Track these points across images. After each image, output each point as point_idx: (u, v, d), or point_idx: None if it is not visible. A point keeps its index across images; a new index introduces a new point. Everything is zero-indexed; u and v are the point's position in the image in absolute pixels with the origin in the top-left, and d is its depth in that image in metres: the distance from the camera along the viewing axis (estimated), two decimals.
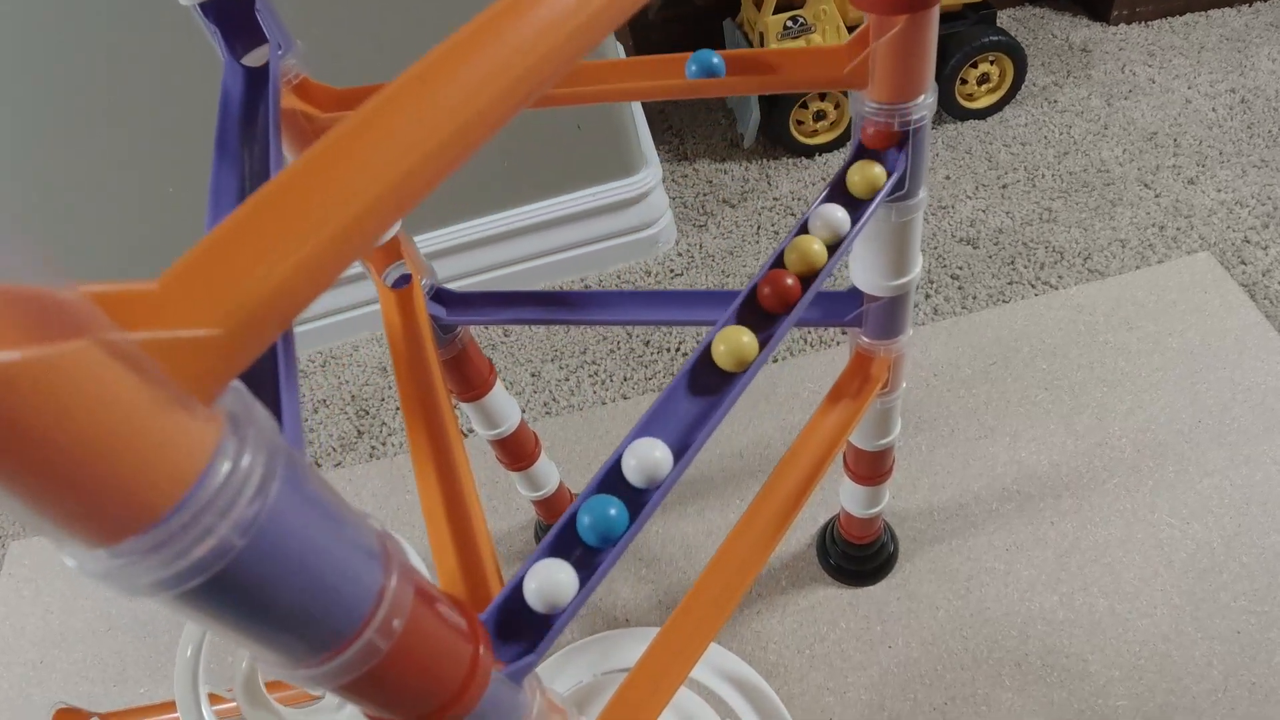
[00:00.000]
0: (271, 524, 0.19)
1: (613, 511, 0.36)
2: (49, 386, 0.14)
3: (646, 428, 0.39)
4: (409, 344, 0.59)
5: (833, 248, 0.46)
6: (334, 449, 1.12)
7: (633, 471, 0.37)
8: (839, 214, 0.46)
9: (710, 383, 0.41)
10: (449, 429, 0.52)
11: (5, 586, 1.17)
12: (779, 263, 0.46)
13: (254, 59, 0.51)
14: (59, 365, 0.14)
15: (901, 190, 0.50)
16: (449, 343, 0.68)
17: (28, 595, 1.15)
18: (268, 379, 0.27)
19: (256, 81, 0.51)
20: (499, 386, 0.75)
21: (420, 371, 0.57)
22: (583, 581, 0.35)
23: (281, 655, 0.22)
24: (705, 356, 0.42)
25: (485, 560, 0.39)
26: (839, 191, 0.48)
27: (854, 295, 0.59)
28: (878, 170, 0.47)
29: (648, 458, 0.37)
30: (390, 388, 1.17)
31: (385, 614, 0.24)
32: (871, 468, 0.74)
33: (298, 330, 1.23)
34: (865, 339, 0.61)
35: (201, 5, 0.49)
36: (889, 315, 0.58)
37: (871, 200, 0.46)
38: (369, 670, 0.24)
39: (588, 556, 0.36)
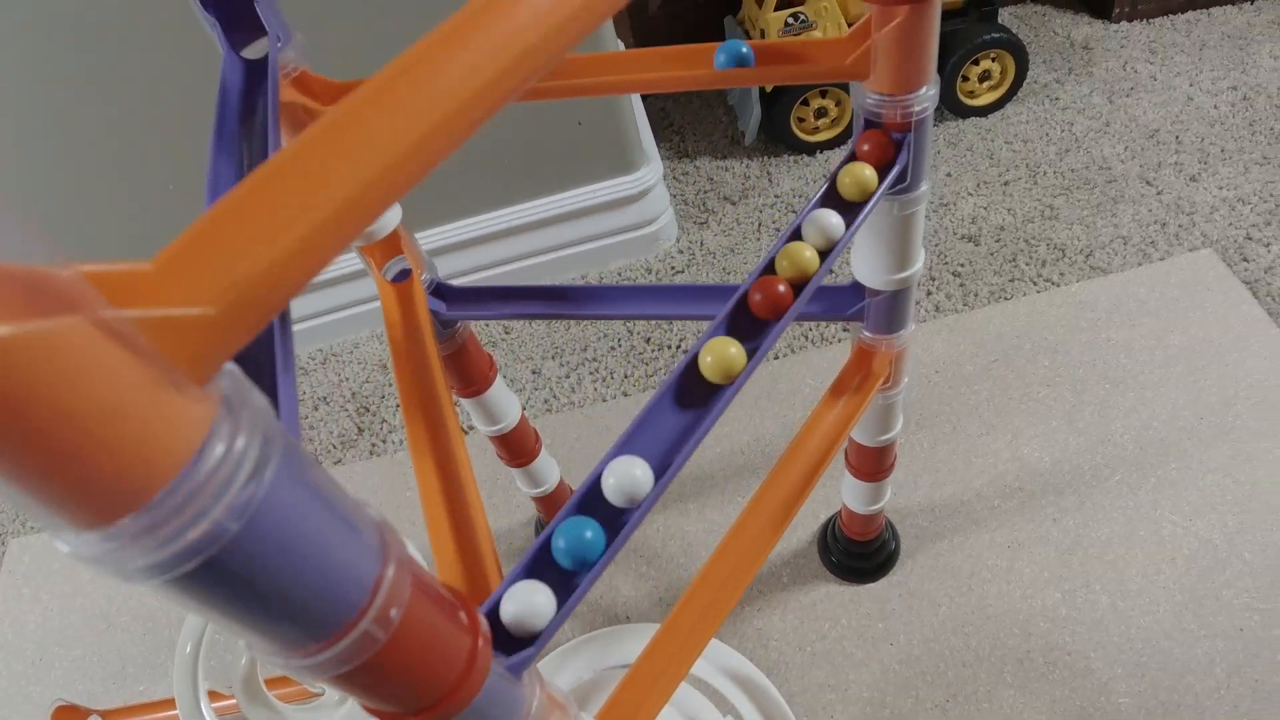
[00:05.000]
0: (267, 508, 0.18)
1: (589, 534, 0.35)
2: (41, 362, 0.14)
3: (627, 444, 0.38)
4: (409, 339, 0.59)
5: (826, 253, 0.45)
6: (334, 446, 1.12)
7: (612, 491, 0.36)
8: (833, 219, 0.45)
9: (696, 394, 0.40)
10: (449, 423, 0.52)
11: (4, 584, 1.17)
12: (770, 269, 0.45)
13: (253, 51, 0.51)
14: (51, 341, 0.14)
15: (904, 183, 0.49)
16: (449, 338, 0.68)
17: (27, 593, 1.15)
18: (265, 367, 0.27)
19: (256, 74, 0.50)
20: (499, 382, 0.74)
21: (420, 367, 0.57)
22: (561, 602, 0.34)
23: (276, 643, 0.22)
24: (691, 368, 0.41)
25: (485, 553, 0.38)
26: (833, 194, 0.47)
27: (856, 289, 0.59)
28: (869, 173, 0.46)
29: (627, 476, 0.36)
30: (391, 385, 1.16)
31: (382, 603, 0.24)
32: (873, 464, 0.74)
33: (298, 329, 1.23)
34: (867, 334, 0.61)
35: None
36: (891, 310, 0.58)
37: (865, 203, 0.46)
38: (366, 661, 0.24)
39: (565, 578, 0.35)
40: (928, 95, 0.46)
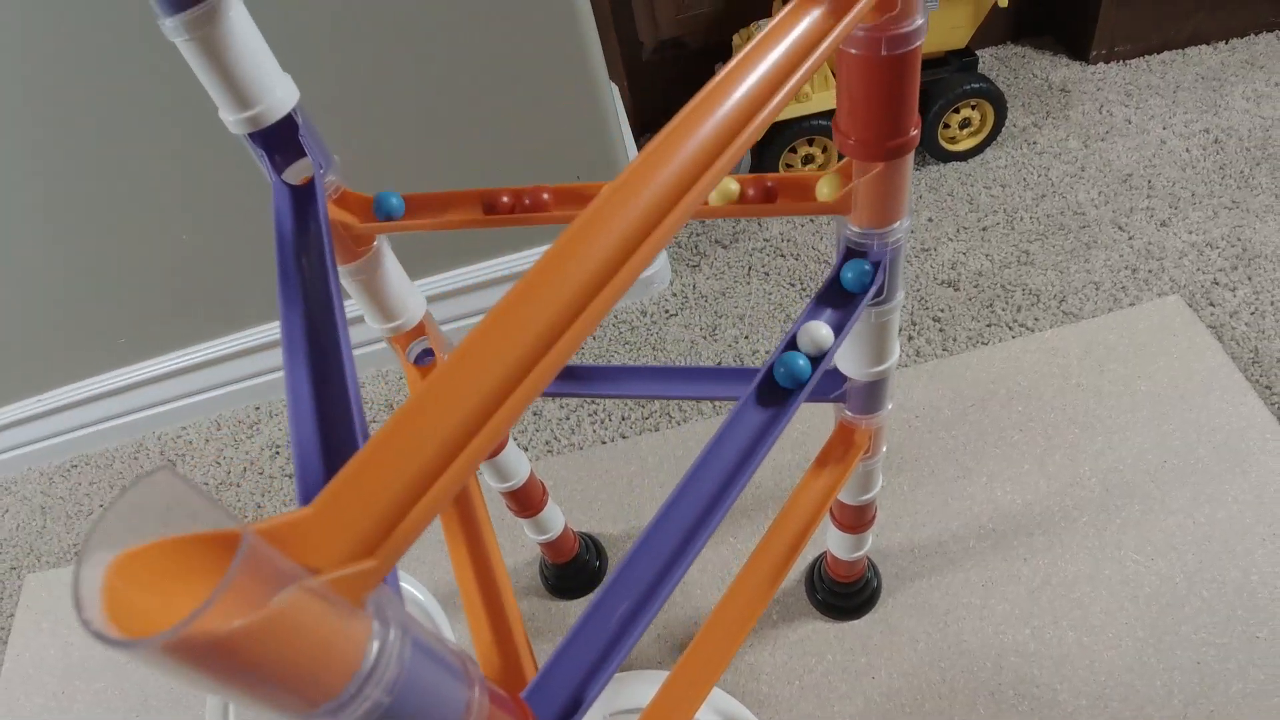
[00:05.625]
0: (405, 680, 0.26)
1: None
2: (273, 629, 0.22)
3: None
4: None
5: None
6: None
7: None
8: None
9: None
10: (477, 508, 0.59)
11: (23, 619, 1.23)
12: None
13: (293, 175, 0.58)
14: (280, 614, 0.22)
15: (880, 297, 0.57)
16: None
17: (47, 627, 1.21)
18: None
19: (301, 198, 0.58)
20: (511, 444, 0.82)
21: None
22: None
23: None
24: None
25: (519, 643, 0.46)
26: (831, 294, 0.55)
27: (838, 375, 0.66)
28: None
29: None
30: None
31: (478, 715, 0.31)
32: (855, 519, 0.82)
33: None
34: (849, 413, 0.68)
35: (250, 134, 0.56)
36: (870, 395, 0.66)
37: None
38: None
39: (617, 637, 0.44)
40: (902, 228, 0.54)
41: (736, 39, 1.34)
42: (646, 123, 1.53)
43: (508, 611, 0.51)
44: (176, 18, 0.49)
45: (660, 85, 1.50)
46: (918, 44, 0.44)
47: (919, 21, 0.43)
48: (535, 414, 1.21)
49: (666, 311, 1.28)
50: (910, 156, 0.51)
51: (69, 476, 1.38)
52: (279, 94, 0.55)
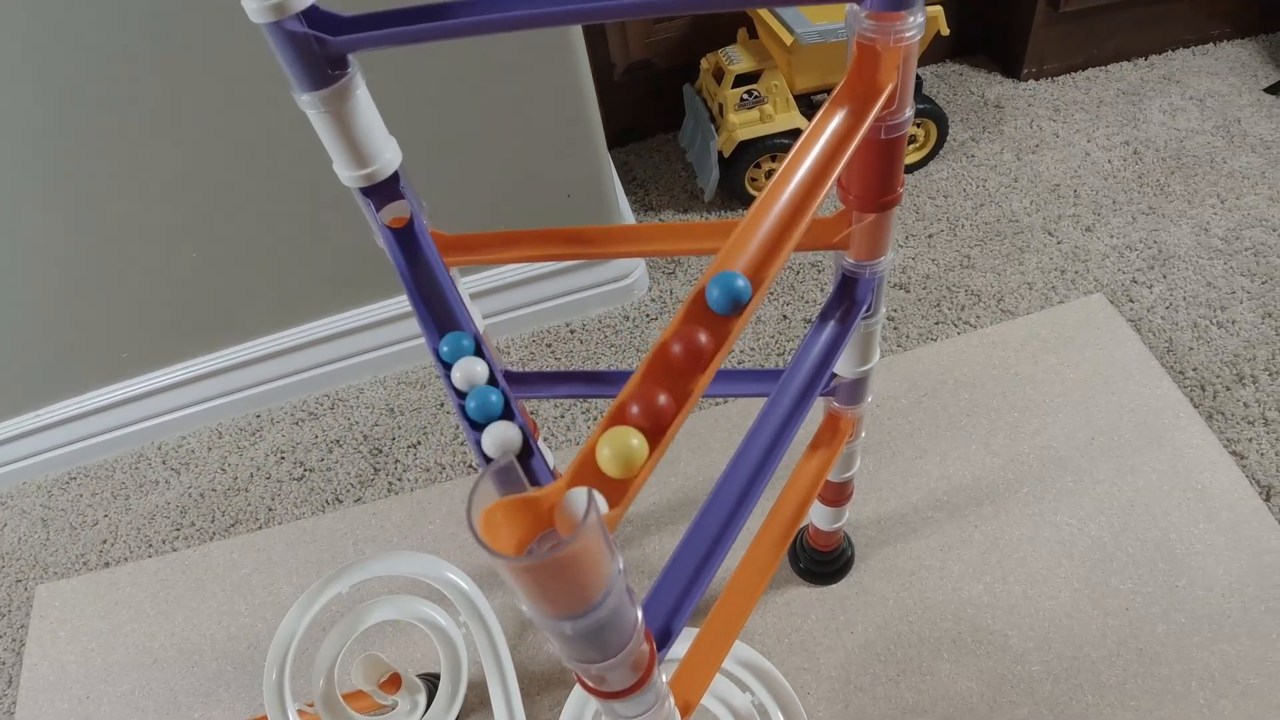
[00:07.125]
0: (621, 594, 0.43)
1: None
2: (586, 550, 0.38)
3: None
4: None
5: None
6: (354, 485, 1.34)
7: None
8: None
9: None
10: None
11: (38, 629, 1.33)
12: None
13: (386, 215, 0.74)
14: (590, 535, 0.39)
15: (869, 312, 0.76)
16: None
17: (64, 635, 1.32)
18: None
19: (403, 238, 0.74)
20: (541, 445, 0.99)
21: None
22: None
23: (595, 656, 0.46)
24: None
25: None
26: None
27: (830, 373, 0.85)
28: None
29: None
30: (400, 427, 1.39)
31: (640, 632, 0.48)
32: (837, 494, 1.01)
33: (304, 375, 1.44)
34: (837, 404, 0.87)
35: (361, 189, 0.72)
36: (855, 389, 0.85)
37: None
38: (627, 664, 0.49)
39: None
40: (887, 260, 0.73)
41: (704, 63, 1.53)
42: (616, 138, 1.71)
43: None
44: (314, 94, 0.63)
45: (630, 104, 1.68)
46: (907, 130, 0.63)
47: (909, 114, 0.61)
48: (531, 413, 1.37)
49: (647, 315, 1.46)
50: (896, 209, 0.69)
51: (68, 489, 1.48)
52: (388, 155, 0.71)
